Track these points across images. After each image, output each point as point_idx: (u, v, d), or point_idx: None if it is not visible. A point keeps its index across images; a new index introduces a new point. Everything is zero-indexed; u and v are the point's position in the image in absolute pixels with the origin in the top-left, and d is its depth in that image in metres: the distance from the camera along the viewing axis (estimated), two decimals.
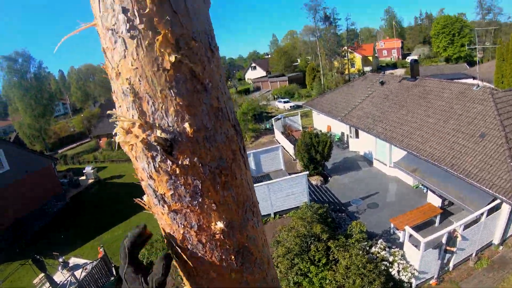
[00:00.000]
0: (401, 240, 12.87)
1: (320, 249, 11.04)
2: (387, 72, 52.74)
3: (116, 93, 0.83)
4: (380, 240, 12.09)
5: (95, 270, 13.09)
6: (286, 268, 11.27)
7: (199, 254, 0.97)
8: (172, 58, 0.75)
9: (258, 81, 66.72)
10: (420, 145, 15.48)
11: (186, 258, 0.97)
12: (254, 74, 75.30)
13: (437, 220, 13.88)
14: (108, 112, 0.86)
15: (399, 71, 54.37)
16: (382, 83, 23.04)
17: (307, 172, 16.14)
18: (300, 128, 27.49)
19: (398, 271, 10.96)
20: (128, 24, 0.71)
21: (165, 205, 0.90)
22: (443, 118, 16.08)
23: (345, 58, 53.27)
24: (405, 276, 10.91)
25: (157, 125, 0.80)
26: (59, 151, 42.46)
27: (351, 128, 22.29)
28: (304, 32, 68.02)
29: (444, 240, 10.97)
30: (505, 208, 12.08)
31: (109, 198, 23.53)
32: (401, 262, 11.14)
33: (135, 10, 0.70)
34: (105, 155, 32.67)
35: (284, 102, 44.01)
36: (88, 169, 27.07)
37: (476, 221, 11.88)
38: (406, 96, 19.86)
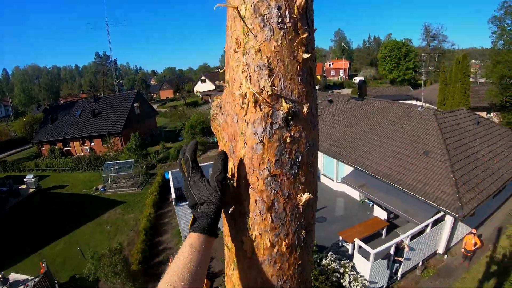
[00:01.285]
0: (350, 252, 13.13)
1: None
2: (335, 91, 55.42)
3: (249, 65, 1.02)
4: (330, 253, 12.19)
5: (37, 287, 11.81)
6: None
7: (279, 224, 1.10)
8: (305, 56, 1.03)
9: (207, 94, 66.20)
10: (367, 162, 16.12)
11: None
12: (203, 87, 75.00)
13: (384, 232, 14.39)
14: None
15: (346, 91, 57.29)
16: (330, 101, 23.91)
17: None
18: None
19: (349, 282, 11.13)
20: (279, 19, 0.98)
21: (266, 170, 1.04)
22: (389, 136, 16.94)
23: None
24: (356, 286, 11.07)
25: (283, 98, 1.01)
26: None
27: None
28: None
29: (392, 251, 11.34)
30: (449, 219, 12.85)
31: (51, 209, 21.80)
32: (352, 273, 11.30)
33: (286, 12, 0.98)
34: (47, 163, 30.36)
35: None
36: (29, 177, 24.88)
37: (421, 232, 12.45)
38: (354, 115, 20.74)
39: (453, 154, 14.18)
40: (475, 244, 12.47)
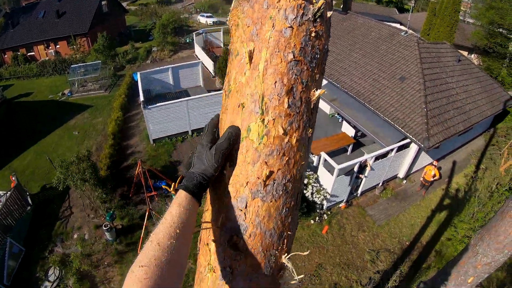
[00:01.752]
0: (315, 164, 13.74)
1: None
2: None
3: None
4: None
5: (9, 202, 11.55)
6: None
7: (294, 112, 1.10)
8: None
9: None
10: (342, 77, 16.06)
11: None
12: None
13: (350, 149, 15.07)
14: None
15: None
16: None
17: None
18: (222, 45, 26.61)
19: (312, 193, 11.96)
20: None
21: (291, 54, 1.07)
22: (368, 56, 16.69)
23: None
24: (318, 198, 11.97)
25: None
26: None
27: None
28: None
29: (356, 168, 12.03)
30: (414, 147, 13.55)
31: (18, 120, 20.67)
32: (315, 185, 12.09)
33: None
34: (11, 71, 27.97)
35: (207, 16, 41.66)
36: None
37: (385, 155, 13.19)
38: (335, 28, 19.95)
39: (428, 85, 14.34)
40: (434, 175, 13.37)
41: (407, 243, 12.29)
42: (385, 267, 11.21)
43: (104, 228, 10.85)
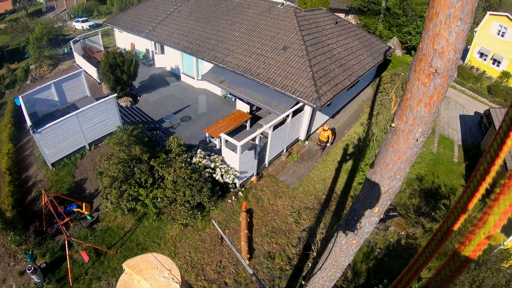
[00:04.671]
0: (218, 147, 13.95)
1: (144, 170, 10.85)
2: None
3: None
4: (199, 150, 12.73)
5: None
6: (117, 197, 10.87)
7: None
8: None
9: None
10: (226, 58, 16.28)
11: None
12: None
13: (248, 124, 15.52)
14: None
15: None
16: None
17: (115, 94, 14.92)
18: (102, 49, 25.37)
19: (222, 175, 12.04)
20: None
21: None
22: (249, 33, 17.14)
23: None
24: (229, 178, 12.10)
25: None
26: None
27: (156, 44, 21.77)
28: None
29: (257, 141, 12.33)
30: (308, 109, 14.37)
31: None
32: (222, 166, 12.20)
33: None
34: None
35: (82, 21, 39.16)
36: None
37: (283, 122, 13.81)
38: (212, 11, 20.14)
39: (311, 50, 15.24)
40: (328, 136, 14.36)
41: (323, 197, 13.16)
42: (310, 224, 11.86)
43: (28, 271, 9.72)
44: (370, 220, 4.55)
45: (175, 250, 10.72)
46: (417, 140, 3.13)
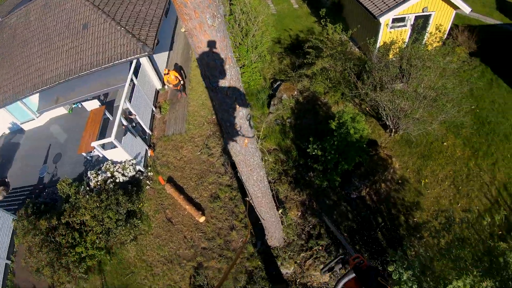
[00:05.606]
0: (101, 155, 12.70)
1: (63, 233, 10.14)
2: None
3: None
4: (89, 172, 11.85)
5: None
6: (66, 274, 10.22)
7: None
8: None
9: None
10: (43, 77, 14.13)
11: None
12: None
13: (108, 115, 14.65)
14: None
15: None
16: None
17: None
18: None
19: (123, 174, 11.40)
20: None
21: None
22: (45, 38, 14.84)
23: None
24: (130, 171, 11.56)
25: None
26: None
27: None
28: None
29: (123, 121, 11.77)
30: (144, 60, 13.84)
31: None
32: (117, 167, 11.54)
33: None
34: None
35: None
36: None
37: (134, 88, 12.71)
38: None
39: (108, 10, 13.92)
40: (177, 78, 13.70)
41: (213, 117, 13.46)
42: (220, 147, 12.21)
43: None
44: (240, 121, 4.65)
45: (146, 264, 10.55)
46: (213, 25, 3.06)
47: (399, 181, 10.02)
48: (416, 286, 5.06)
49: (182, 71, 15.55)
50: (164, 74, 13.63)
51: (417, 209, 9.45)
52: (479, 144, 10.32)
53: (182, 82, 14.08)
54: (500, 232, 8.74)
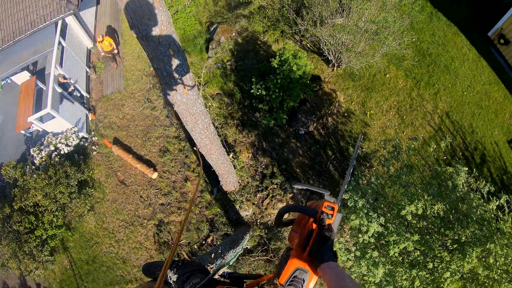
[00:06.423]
0: (40, 129, 11.98)
1: (19, 219, 9.78)
2: None
3: None
4: (31, 150, 11.32)
5: None
6: (33, 261, 9.95)
7: None
8: None
9: None
10: None
11: None
12: None
13: (40, 85, 13.20)
14: None
15: None
16: None
17: None
18: None
19: (66, 145, 10.93)
20: None
21: None
22: None
23: None
24: (74, 140, 11.12)
25: None
26: None
27: None
28: None
29: (57, 88, 11.10)
30: (71, 20, 12.77)
31: None
32: (59, 138, 11.00)
33: None
34: None
35: None
36: None
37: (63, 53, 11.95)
38: None
39: None
40: (111, 44, 12.51)
41: (151, 69, 12.57)
42: (161, 99, 11.81)
43: None
44: (176, 69, 4.38)
45: (108, 231, 10.37)
46: None
47: (345, 114, 10.27)
48: (371, 212, 5.27)
49: (116, 35, 14.41)
50: (98, 42, 12.54)
51: (365, 140, 9.80)
52: (421, 75, 10.65)
53: (116, 50, 12.84)
54: (445, 158, 9.33)
